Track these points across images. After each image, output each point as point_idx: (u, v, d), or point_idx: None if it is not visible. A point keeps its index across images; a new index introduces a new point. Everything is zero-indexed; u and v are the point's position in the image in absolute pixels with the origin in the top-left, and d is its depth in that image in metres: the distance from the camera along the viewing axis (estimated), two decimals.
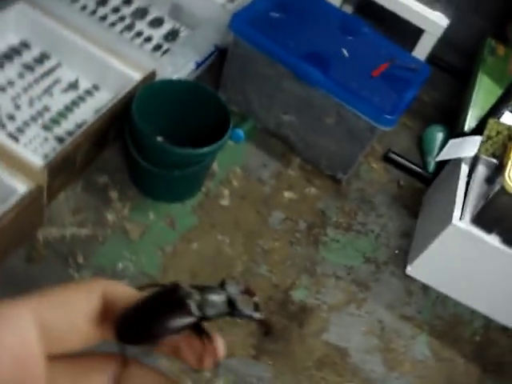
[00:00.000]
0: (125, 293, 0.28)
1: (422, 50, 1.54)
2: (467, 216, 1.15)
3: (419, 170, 1.44)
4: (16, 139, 1.11)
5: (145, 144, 1.08)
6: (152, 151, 1.09)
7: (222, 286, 0.28)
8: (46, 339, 0.26)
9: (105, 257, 1.08)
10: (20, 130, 1.14)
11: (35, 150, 1.12)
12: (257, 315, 0.29)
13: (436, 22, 1.49)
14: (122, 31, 1.37)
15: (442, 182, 1.36)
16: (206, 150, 1.07)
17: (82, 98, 1.23)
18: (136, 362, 0.28)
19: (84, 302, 0.27)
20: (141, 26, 1.40)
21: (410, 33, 1.53)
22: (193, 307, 0.26)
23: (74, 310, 0.27)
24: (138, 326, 0.27)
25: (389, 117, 1.19)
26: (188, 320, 0.27)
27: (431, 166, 1.46)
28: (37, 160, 1.01)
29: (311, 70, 1.21)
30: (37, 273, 1.03)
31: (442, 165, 1.41)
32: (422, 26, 1.51)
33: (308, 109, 1.27)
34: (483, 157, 1.21)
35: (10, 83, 1.19)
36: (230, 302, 0.28)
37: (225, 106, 1.16)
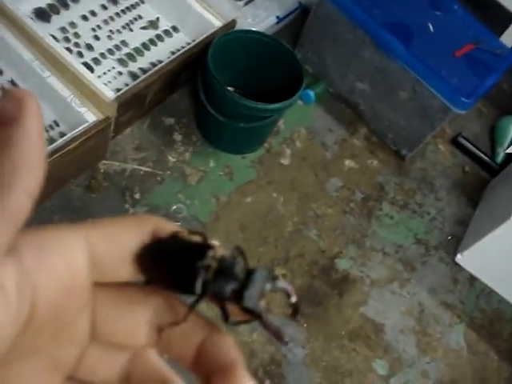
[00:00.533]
0: None
1: (510, 37, 1.48)
2: None
3: (487, 159, 1.40)
4: (91, 69, 1.13)
5: (215, 92, 1.08)
6: (221, 100, 1.09)
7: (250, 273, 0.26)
8: (95, 268, 0.27)
9: (160, 196, 1.10)
10: (96, 61, 1.16)
11: (108, 82, 1.14)
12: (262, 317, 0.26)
13: None
14: None
15: (508, 175, 1.32)
16: (275, 106, 1.07)
17: (159, 38, 1.24)
18: (178, 300, 0.28)
19: (135, 236, 0.27)
20: None
21: (500, 17, 1.46)
22: (197, 285, 0.25)
23: (124, 243, 0.27)
24: (150, 262, 0.27)
25: (465, 100, 1.16)
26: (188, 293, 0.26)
27: (500, 157, 1.41)
28: (108, 92, 1.03)
29: (393, 40, 1.18)
30: (93, 202, 1.06)
31: (510, 158, 1.37)
32: None
33: (383, 80, 1.25)
34: None
35: (93, 13, 1.21)
36: (238, 293, 0.26)
37: (300, 65, 1.14)
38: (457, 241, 1.28)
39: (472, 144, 1.40)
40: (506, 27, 1.47)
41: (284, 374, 1.03)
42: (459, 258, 1.24)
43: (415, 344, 1.14)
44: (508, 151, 1.28)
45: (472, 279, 1.25)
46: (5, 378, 0.26)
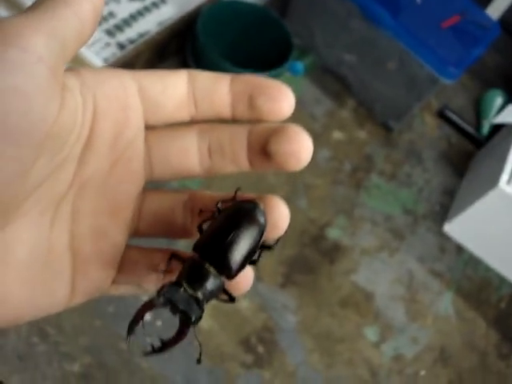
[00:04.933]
0: (209, 78, 0.29)
1: (495, 10, 1.49)
2: None
3: (472, 132, 1.42)
4: None
5: (205, 61, 1.08)
6: (212, 69, 1.08)
7: None
8: (145, 107, 0.27)
9: None
10: None
11: (97, 53, 1.13)
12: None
13: None
14: None
15: (493, 146, 1.33)
16: (263, 74, 1.07)
17: (147, 9, 1.23)
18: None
19: (175, 78, 0.27)
20: None
21: None
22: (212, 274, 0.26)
23: (169, 84, 0.27)
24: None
25: (453, 69, 1.17)
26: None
27: (485, 129, 1.43)
28: (97, 62, 1.02)
29: (380, 11, 1.19)
30: None
31: (495, 130, 1.38)
32: None
33: (371, 51, 1.25)
34: None
35: None
36: None
37: (289, 36, 1.15)
38: (444, 211, 1.29)
39: (458, 116, 1.42)
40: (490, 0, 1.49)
41: (277, 340, 1.04)
42: (446, 227, 1.26)
43: (404, 311, 1.15)
44: (495, 122, 1.30)
45: (459, 248, 1.27)
46: (74, 212, 0.26)
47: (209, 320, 0.96)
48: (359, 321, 1.11)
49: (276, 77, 1.10)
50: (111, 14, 1.19)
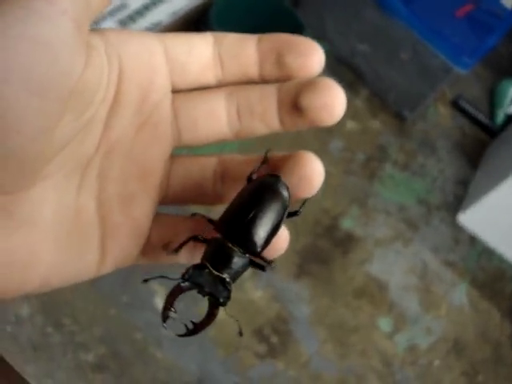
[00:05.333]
0: (235, 38, 0.29)
1: None
2: None
3: (486, 121, 1.41)
4: None
5: None
6: None
7: None
8: (171, 69, 0.27)
9: None
10: (96, 23, 1.15)
11: None
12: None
13: None
14: None
15: (508, 136, 1.32)
16: None
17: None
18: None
19: (201, 40, 0.27)
20: None
21: None
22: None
23: (195, 46, 0.27)
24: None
25: (467, 59, 1.16)
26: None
27: (499, 119, 1.42)
28: None
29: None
30: None
31: (510, 119, 1.37)
32: None
33: (384, 40, 1.24)
34: None
35: None
36: None
37: (302, 27, 1.14)
38: (458, 201, 1.28)
39: (472, 106, 1.41)
40: None
41: (290, 330, 1.04)
42: (461, 218, 1.25)
43: (418, 302, 1.15)
44: (509, 112, 1.29)
45: (473, 239, 1.26)
46: (101, 178, 0.26)
47: (222, 310, 0.96)
48: (373, 311, 1.10)
49: None
50: (124, 5, 1.19)
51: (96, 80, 0.23)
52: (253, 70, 0.27)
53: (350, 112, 1.29)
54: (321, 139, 1.20)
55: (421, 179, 1.28)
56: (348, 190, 1.20)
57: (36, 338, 0.87)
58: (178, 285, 0.24)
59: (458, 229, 1.26)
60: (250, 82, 0.28)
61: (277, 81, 0.27)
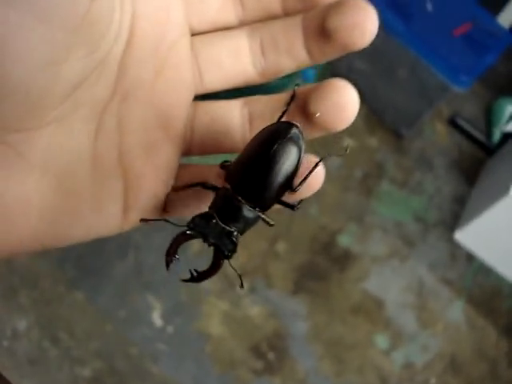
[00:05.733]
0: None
1: (506, 18, 1.49)
2: None
3: (483, 139, 1.41)
4: None
5: None
6: None
7: None
8: (188, 6, 0.25)
9: None
10: None
11: None
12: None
13: None
14: None
15: (504, 154, 1.33)
16: (273, 82, 1.07)
17: None
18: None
19: None
20: None
21: None
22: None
23: None
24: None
25: (464, 77, 1.17)
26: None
27: (496, 137, 1.43)
28: None
29: (392, 18, 1.19)
30: None
31: (506, 138, 1.38)
32: None
33: (382, 58, 1.25)
34: None
35: None
36: None
37: None
38: (455, 219, 1.29)
39: (469, 124, 1.42)
40: (502, 7, 1.49)
41: (287, 347, 1.04)
42: (457, 235, 1.26)
43: (415, 319, 1.15)
44: (506, 130, 1.29)
45: (470, 256, 1.26)
46: (121, 125, 0.24)
47: (219, 326, 0.96)
48: (370, 328, 1.10)
49: (287, 84, 1.10)
50: None
51: (107, 12, 0.21)
52: (275, 5, 0.25)
53: (348, 129, 1.29)
54: (319, 156, 1.21)
55: (418, 196, 1.28)
56: (345, 207, 1.20)
57: (32, 353, 0.87)
58: (184, 232, 0.23)
59: (454, 246, 1.26)
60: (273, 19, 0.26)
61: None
